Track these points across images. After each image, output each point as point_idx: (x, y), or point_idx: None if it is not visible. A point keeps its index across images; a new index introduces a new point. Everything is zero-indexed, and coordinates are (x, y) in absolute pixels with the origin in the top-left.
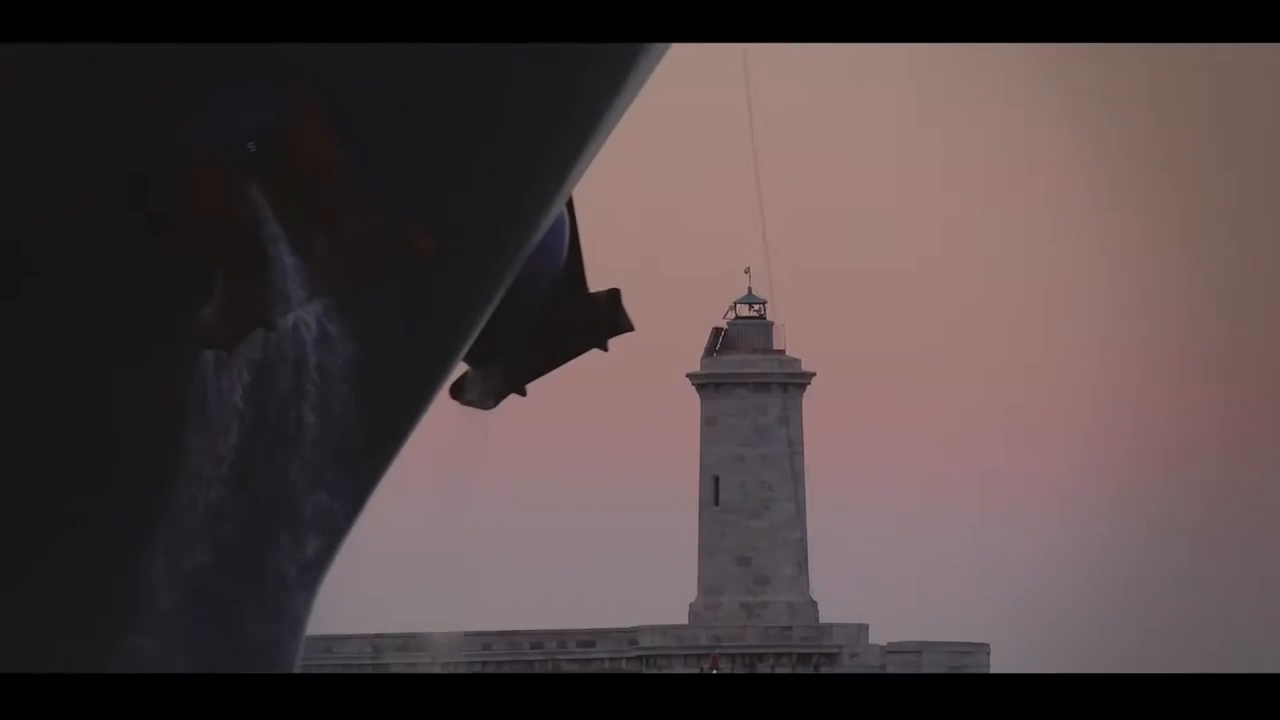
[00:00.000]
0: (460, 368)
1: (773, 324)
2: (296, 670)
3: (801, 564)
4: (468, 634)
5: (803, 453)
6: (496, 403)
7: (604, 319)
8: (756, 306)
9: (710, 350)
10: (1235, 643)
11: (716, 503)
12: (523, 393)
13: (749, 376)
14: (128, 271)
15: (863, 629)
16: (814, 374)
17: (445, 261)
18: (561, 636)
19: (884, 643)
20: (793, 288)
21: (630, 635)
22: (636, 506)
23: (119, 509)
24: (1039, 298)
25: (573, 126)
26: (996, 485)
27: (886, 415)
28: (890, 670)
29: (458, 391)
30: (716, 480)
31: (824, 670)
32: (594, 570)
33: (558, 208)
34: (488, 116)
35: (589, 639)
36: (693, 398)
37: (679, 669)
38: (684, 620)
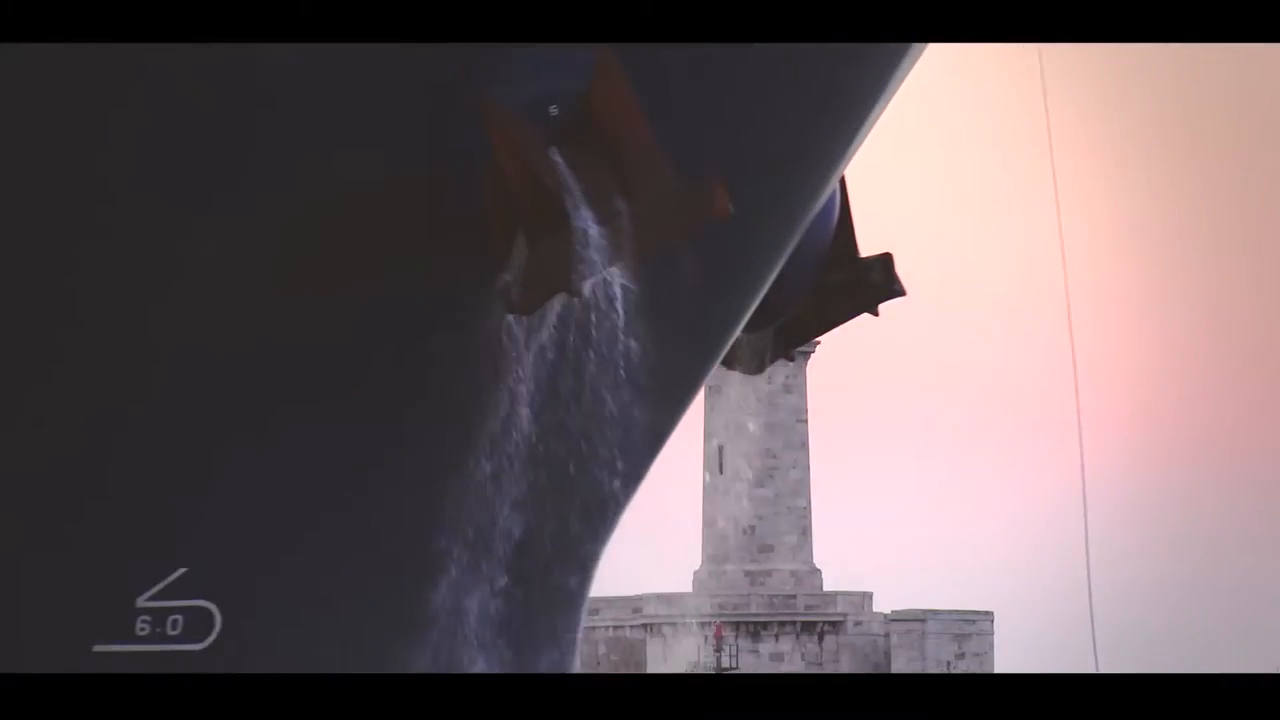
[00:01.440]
0: None
1: None
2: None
3: (805, 532)
4: None
5: (806, 421)
6: (764, 367)
7: (875, 283)
8: None
9: None
10: (1241, 616)
11: (720, 471)
12: (790, 357)
13: None
14: (428, 240)
15: (867, 597)
16: (819, 342)
17: (735, 228)
18: None
19: (888, 610)
20: None
21: (634, 603)
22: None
23: (416, 481)
24: (1045, 275)
25: (860, 103)
26: (1002, 453)
27: (891, 384)
28: (894, 637)
29: (728, 356)
30: (720, 449)
31: (828, 637)
32: None
33: (839, 175)
34: (785, 82)
35: (593, 607)
36: None
37: (683, 637)
38: (688, 588)
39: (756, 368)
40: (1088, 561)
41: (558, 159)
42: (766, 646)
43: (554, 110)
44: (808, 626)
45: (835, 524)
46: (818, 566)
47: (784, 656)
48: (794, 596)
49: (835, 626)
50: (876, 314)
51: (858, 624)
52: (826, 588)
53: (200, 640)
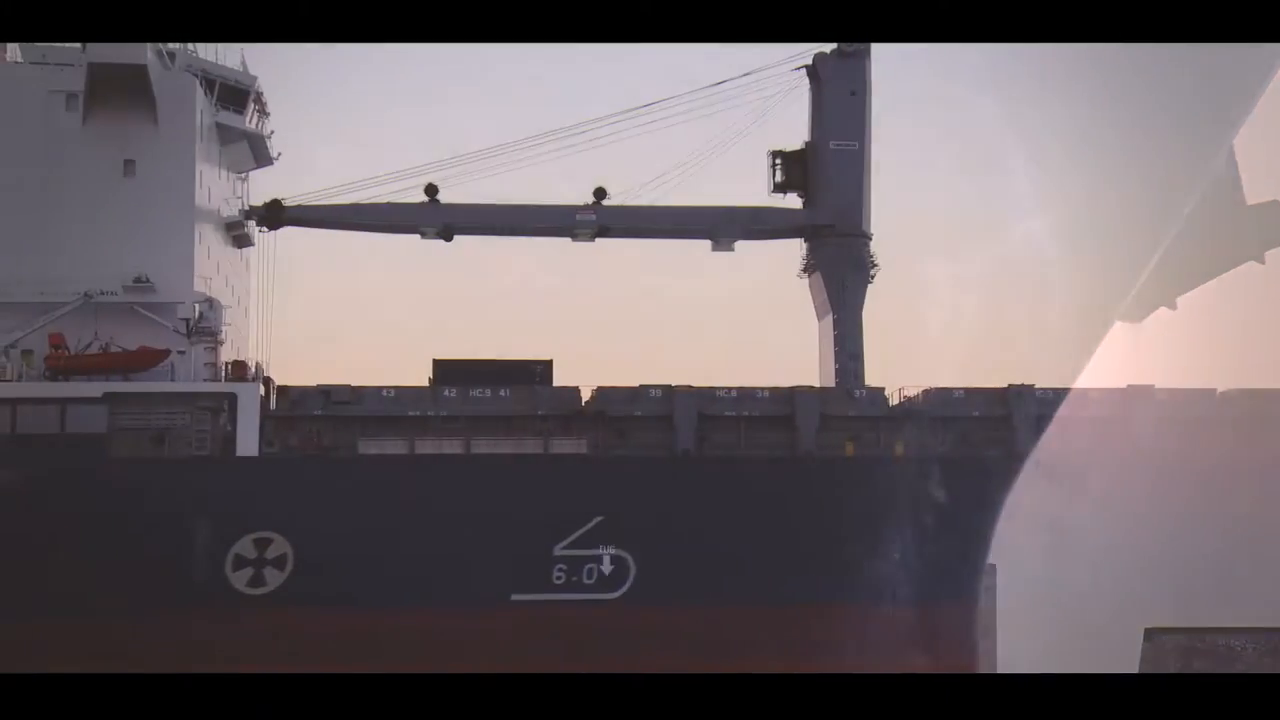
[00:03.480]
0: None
1: None
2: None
3: None
4: None
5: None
6: (1147, 316)
7: (1263, 231)
8: None
9: None
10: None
11: None
12: (1174, 306)
13: None
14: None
15: None
16: None
17: (1143, 187)
18: None
19: None
20: None
21: None
22: None
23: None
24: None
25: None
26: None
27: (895, 344)
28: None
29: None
30: None
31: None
32: None
33: (1230, 141)
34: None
35: None
36: None
37: None
38: None
39: (1141, 316)
40: None
41: (989, 105)
42: None
43: None
44: None
45: None
46: None
47: None
48: None
49: None
50: (1263, 262)
51: None
52: None
53: (615, 589)
